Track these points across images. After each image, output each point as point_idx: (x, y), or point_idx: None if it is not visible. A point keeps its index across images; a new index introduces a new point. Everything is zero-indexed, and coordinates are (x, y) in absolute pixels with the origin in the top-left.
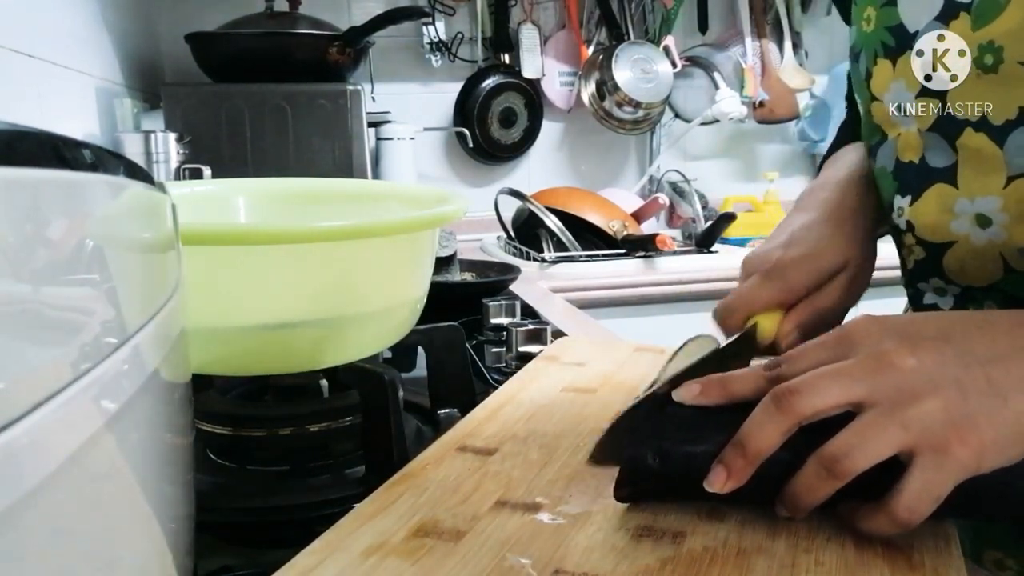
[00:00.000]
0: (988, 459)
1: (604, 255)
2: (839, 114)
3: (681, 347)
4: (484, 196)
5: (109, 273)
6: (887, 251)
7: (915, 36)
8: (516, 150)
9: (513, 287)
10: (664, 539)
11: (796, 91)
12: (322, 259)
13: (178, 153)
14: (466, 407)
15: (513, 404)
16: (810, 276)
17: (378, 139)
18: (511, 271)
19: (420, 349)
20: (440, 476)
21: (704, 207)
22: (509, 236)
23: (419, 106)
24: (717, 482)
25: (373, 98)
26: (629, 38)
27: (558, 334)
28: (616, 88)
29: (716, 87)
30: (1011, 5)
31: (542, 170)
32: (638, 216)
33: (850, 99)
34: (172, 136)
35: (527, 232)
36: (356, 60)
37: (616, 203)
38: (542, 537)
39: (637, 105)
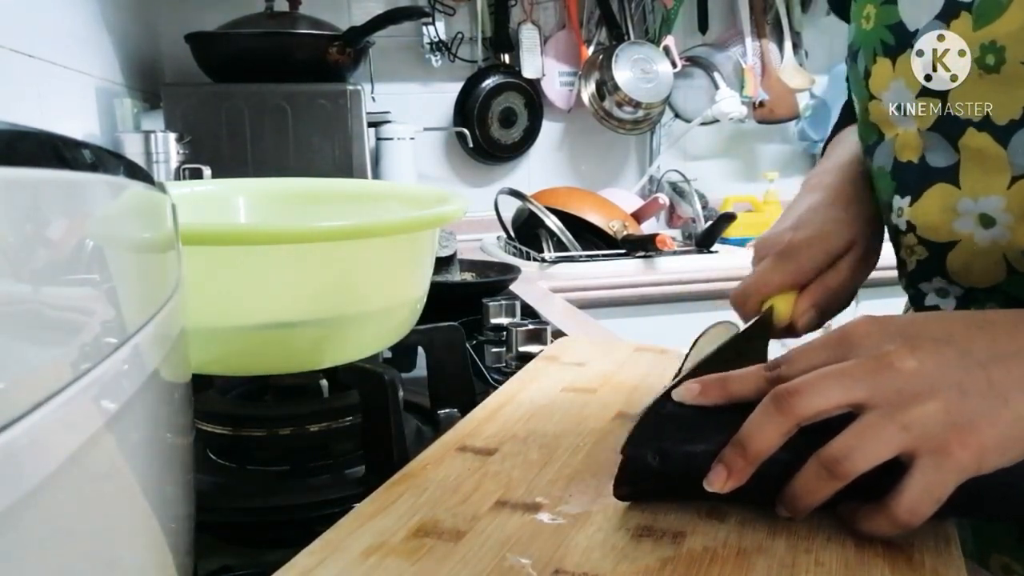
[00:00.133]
0: (989, 460)
1: (604, 255)
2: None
3: (701, 335)
4: (484, 196)
5: (109, 273)
6: (887, 251)
7: (915, 35)
8: (516, 150)
9: (513, 287)
10: (664, 539)
11: (796, 91)
12: (322, 259)
13: (178, 153)
14: (466, 407)
15: (513, 404)
16: (820, 256)
17: (378, 139)
18: (511, 271)
19: (420, 349)
20: (440, 476)
21: (704, 207)
22: (509, 236)
23: (419, 106)
24: (717, 482)
25: (373, 98)
26: (629, 38)
27: (558, 334)
28: (616, 88)
29: (716, 87)
30: (1013, 5)
31: (542, 170)
32: (638, 216)
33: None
34: (172, 136)
35: (527, 232)
36: (356, 60)
37: (616, 203)
38: (542, 537)
39: (637, 105)
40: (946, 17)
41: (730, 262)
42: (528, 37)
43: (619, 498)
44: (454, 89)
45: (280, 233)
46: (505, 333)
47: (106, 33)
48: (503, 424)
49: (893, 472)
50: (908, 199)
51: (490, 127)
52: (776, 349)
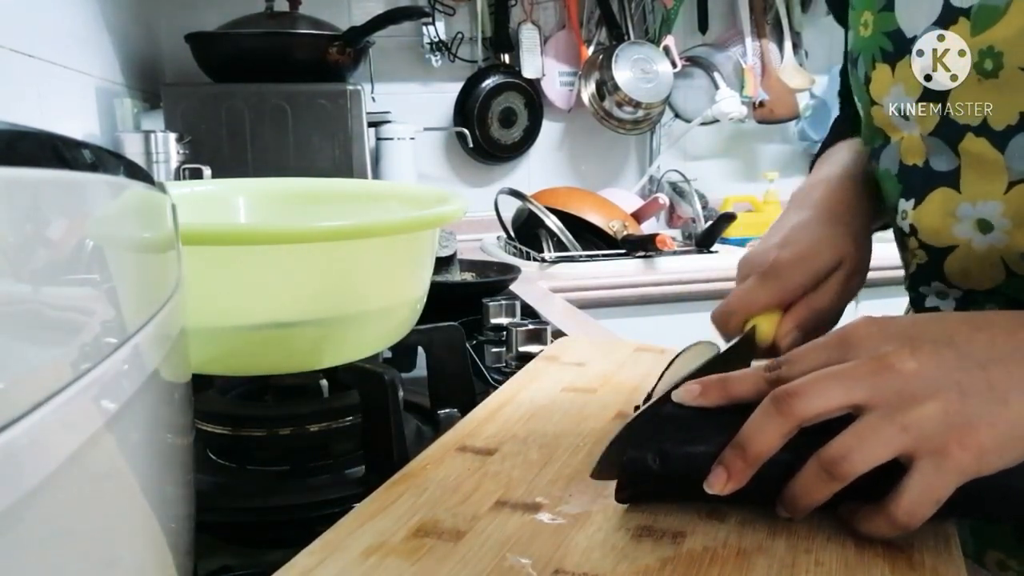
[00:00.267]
0: (988, 462)
1: (604, 255)
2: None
3: (678, 355)
4: (484, 196)
5: (109, 273)
6: (887, 252)
7: (913, 41)
8: (516, 150)
9: (513, 287)
10: (664, 539)
11: (796, 91)
12: (322, 259)
13: (178, 153)
14: (466, 407)
15: (513, 404)
16: (806, 276)
17: (378, 139)
18: (511, 271)
19: (420, 349)
20: (440, 476)
21: (704, 207)
22: (509, 236)
23: (419, 106)
24: (717, 483)
25: (373, 98)
26: (629, 38)
27: (558, 334)
28: (616, 88)
29: (716, 87)
30: (1011, 11)
31: (542, 170)
32: (638, 216)
33: (843, 96)
34: (172, 136)
35: (527, 232)
36: (356, 60)
37: (616, 203)
38: (542, 537)
39: (637, 105)
40: (944, 23)
41: (730, 262)
42: (528, 37)
43: (620, 501)
44: (454, 89)
45: (280, 233)
46: (505, 333)
47: (106, 33)
48: (503, 424)
49: (893, 473)
50: (912, 202)
51: (490, 127)
52: None
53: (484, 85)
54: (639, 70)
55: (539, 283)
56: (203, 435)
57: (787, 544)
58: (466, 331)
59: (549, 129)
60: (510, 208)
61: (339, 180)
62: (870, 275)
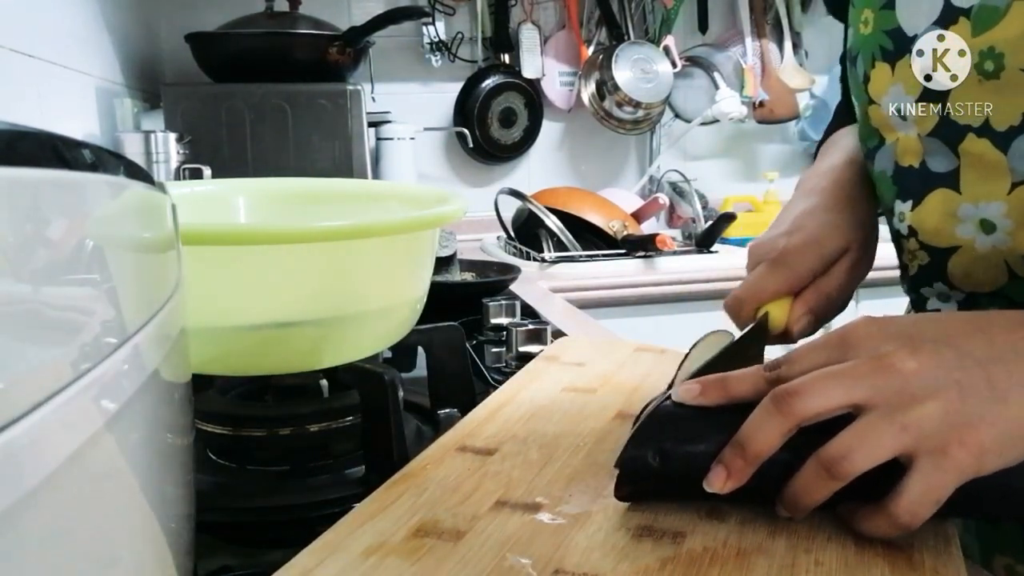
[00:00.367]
0: (988, 461)
1: (604, 255)
2: None
3: (695, 344)
4: (484, 196)
5: (109, 273)
6: (887, 252)
7: (913, 40)
8: (516, 150)
9: (513, 287)
10: (664, 539)
11: (796, 91)
12: (322, 259)
13: (178, 153)
14: (466, 407)
15: (513, 404)
16: (815, 262)
17: (378, 139)
18: (511, 271)
19: (420, 349)
20: (440, 476)
21: (704, 207)
22: (509, 236)
23: (419, 106)
24: (717, 482)
25: (373, 98)
26: (629, 38)
27: (558, 334)
28: (616, 88)
29: (716, 87)
30: (1011, 12)
31: (542, 170)
32: (638, 216)
33: (845, 81)
34: (172, 136)
35: (527, 232)
36: (356, 60)
37: (616, 203)
38: (542, 537)
39: (637, 105)
40: (944, 23)
41: (730, 262)
42: (528, 37)
43: (620, 499)
44: (454, 89)
45: (280, 233)
46: (505, 333)
47: (106, 33)
48: (503, 424)
49: (893, 473)
50: (909, 203)
51: (490, 127)
52: (774, 351)
53: (484, 85)
54: (639, 70)
55: (539, 283)
56: (203, 435)
57: (787, 544)
58: (466, 331)
59: (549, 129)
60: (510, 208)
61: (339, 180)
62: (870, 275)
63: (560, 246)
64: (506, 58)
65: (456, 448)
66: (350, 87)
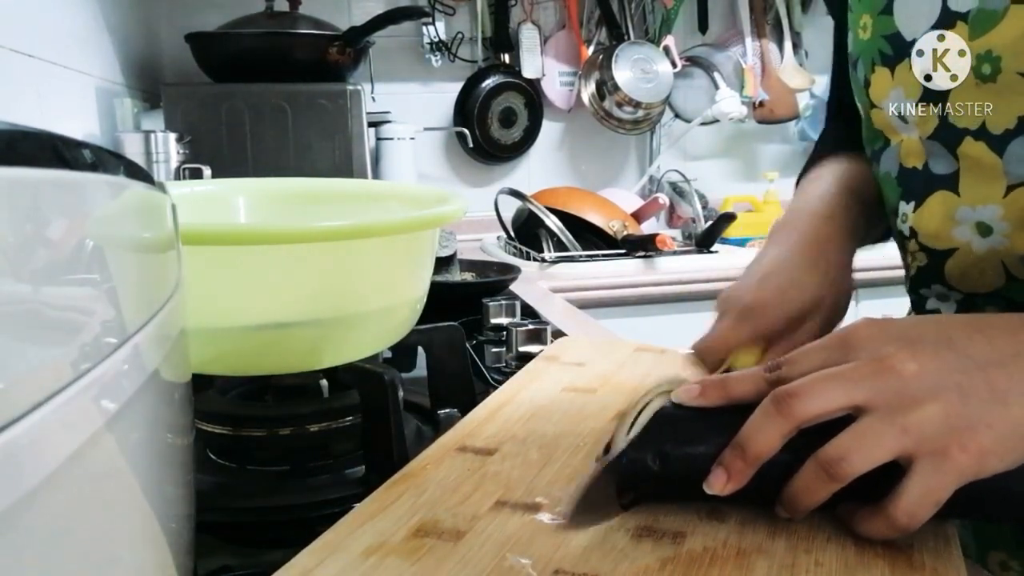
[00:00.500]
0: (988, 464)
1: (604, 255)
2: None
3: (649, 394)
4: (484, 196)
5: (109, 273)
6: (887, 252)
7: (912, 45)
8: (516, 150)
9: (513, 287)
10: (664, 539)
11: (796, 91)
12: (322, 259)
13: (178, 153)
14: (466, 407)
15: (513, 404)
16: (782, 316)
17: (378, 139)
18: (511, 271)
19: (420, 349)
20: (440, 476)
21: (704, 207)
22: (509, 236)
23: (419, 106)
24: (717, 484)
25: (373, 98)
26: (629, 38)
27: (558, 334)
28: (616, 88)
29: (716, 87)
30: (1008, 15)
31: (542, 170)
32: (638, 216)
33: (831, 105)
34: (172, 136)
35: (527, 232)
36: (356, 60)
37: (616, 203)
38: (542, 537)
39: (637, 105)
40: (942, 27)
41: (730, 262)
42: (528, 37)
43: (624, 507)
44: (454, 89)
45: (280, 233)
46: (505, 333)
47: (106, 33)
48: (503, 424)
49: (892, 474)
50: (912, 204)
51: (490, 127)
52: None
53: (484, 85)
54: (639, 70)
55: (539, 283)
56: (203, 435)
57: (787, 544)
58: (466, 331)
59: (549, 129)
60: (510, 208)
61: (339, 180)
62: (870, 275)
63: (560, 246)
64: (506, 58)
65: (456, 448)
66: (350, 87)
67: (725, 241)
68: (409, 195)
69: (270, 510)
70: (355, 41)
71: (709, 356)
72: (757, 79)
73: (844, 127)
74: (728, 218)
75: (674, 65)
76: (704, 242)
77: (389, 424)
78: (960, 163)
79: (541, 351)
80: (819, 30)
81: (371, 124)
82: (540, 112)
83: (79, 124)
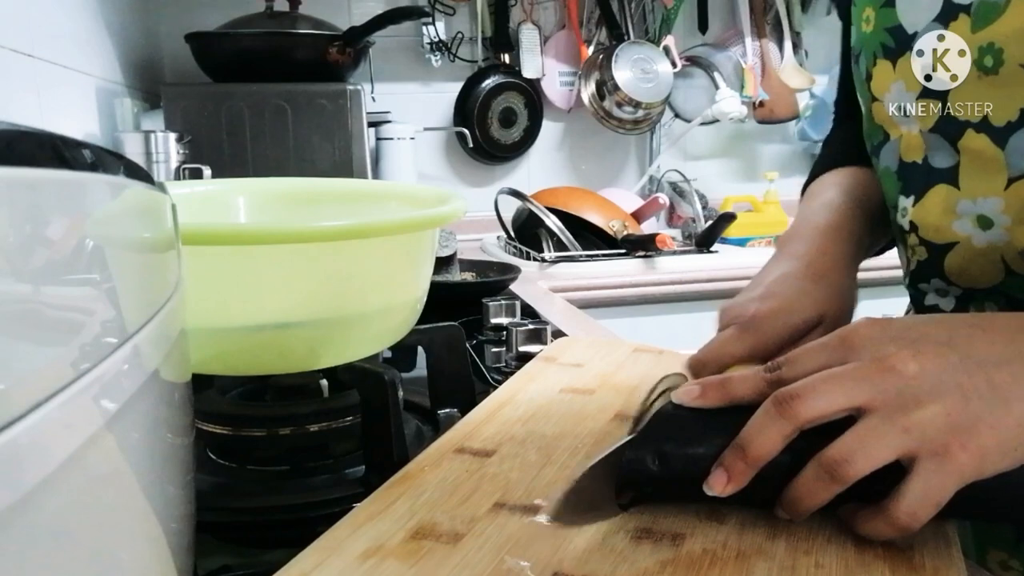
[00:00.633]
0: (990, 464)
1: (604, 255)
2: None
3: (657, 391)
4: (484, 196)
5: (109, 273)
6: (887, 252)
7: (914, 37)
8: (516, 150)
9: (513, 287)
10: (663, 541)
11: (796, 91)
12: (322, 259)
13: (178, 153)
14: (466, 407)
15: (511, 405)
16: (785, 330)
17: (378, 139)
18: (511, 271)
19: (420, 349)
20: (438, 478)
21: (704, 207)
22: (509, 236)
23: (419, 106)
24: (717, 485)
25: (373, 98)
26: (629, 38)
27: (558, 334)
28: (616, 88)
29: (716, 87)
30: (1011, 7)
31: (542, 170)
32: (638, 216)
33: (838, 105)
34: (172, 136)
35: (527, 232)
36: (356, 60)
37: (616, 203)
38: (541, 539)
39: (637, 105)
40: (945, 19)
41: (730, 262)
42: (528, 37)
43: (622, 508)
44: (454, 89)
45: (280, 233)
46: (505, 333)
47: (106, 33)
48: (501, 425)
49: (894, 475)
50: (912, 199)
51: (490, 127)
52: None
53: (484, 85)
54: (639, 70)
55: (539, 283)
56: (203, 435)
57: (787, 546)
58: (466, 331)
59: (549, 129)
60: (510, 208)
61: (339, 180)
62: (870, 275)
63: (560, 246)
64: (506, 58)
65: (454, 449)
66: (350, 87)
67: (725, 241)
68: (409, 195)
69: (270, 510)
70: (355, 41)
71: (704, 370)
72: (757, 79)
73: (852, 132)
74: (728, 218)
75: (674, 65)
76: (704, 242)
77: (389, 424)
78: (960, 156)
79: (540, 351)
80: (819, 30)
81: (371, 124)
82: (540, 112)
83: (79, 124)
